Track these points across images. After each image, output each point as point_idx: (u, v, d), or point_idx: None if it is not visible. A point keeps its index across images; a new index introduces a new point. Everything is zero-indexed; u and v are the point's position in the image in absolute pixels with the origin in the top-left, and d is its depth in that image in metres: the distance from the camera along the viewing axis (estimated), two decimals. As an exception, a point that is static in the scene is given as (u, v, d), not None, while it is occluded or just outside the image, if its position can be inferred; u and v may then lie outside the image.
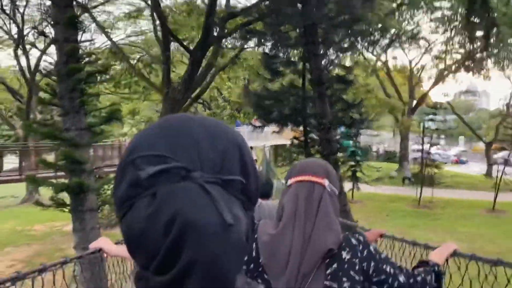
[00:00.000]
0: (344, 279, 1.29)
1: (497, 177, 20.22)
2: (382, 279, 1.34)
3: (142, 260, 0.52)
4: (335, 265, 1.31)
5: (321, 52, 9.83)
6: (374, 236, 2.49)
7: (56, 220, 16.31)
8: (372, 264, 1.34)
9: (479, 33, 27.51)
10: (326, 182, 1.41)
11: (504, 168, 20.22)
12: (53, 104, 6.42)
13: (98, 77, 18.88)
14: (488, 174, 30.83)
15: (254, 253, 1.38)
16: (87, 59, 6.38)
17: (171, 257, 0.48)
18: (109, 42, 17.26)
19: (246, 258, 1.35)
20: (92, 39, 6.88)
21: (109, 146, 19.40)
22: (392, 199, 23.47)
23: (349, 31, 10.16)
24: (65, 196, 6.71)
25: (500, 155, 38.00)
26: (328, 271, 1.30)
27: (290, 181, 1.46)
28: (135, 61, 18.76)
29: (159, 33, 13.57)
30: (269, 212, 2.92)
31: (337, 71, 13.57)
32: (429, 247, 2.24)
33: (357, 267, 1.31)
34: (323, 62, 10.36)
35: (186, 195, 0.49)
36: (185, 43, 14.10)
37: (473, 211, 20.30)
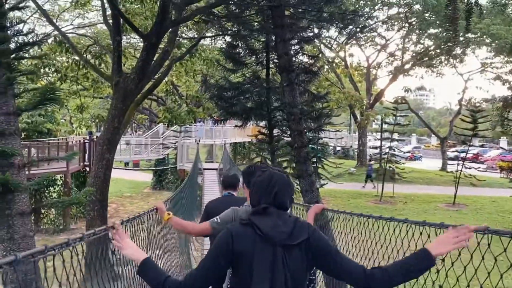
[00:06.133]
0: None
1: (456, 171, 20.31)
2: None
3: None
4: None
5: (289, 37, 9.03)
6: (313, 213, 3.34)
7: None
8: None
9: (433, 30, 27.94)
10: None
11: (463, 163, 20.34)
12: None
13: (42, 69, 17.25)
14: (444, 169, 31.40)
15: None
16: (16, 28, 5.13)
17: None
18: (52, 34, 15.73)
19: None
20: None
21: (55, 143, 17.86)
22: (353, 195, 23.20)
23: (318, 16, 9.45)
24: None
25: (452, 150, 39.09)
26: None
27: None
28: (84, 54, 17.27)
29: (110, 22, 12.33)
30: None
31: (302, 61, 12.89)
32: (370, 217, 3.07)
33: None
34: (290, 50, 9.58)
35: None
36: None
37: (434, 205, 20.32)
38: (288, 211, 1.91)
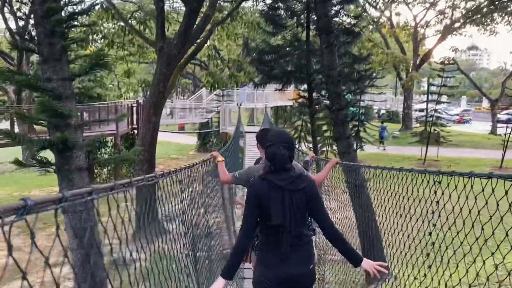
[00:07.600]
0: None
1: (505, 134, 19.61)
2: None
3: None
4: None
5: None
6: (329, 165, 4.47)
7: (55, 185, 15.67)
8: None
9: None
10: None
11: (512, 125, 19.58)
12: (30, 50, 5.62)
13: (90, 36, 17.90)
14: (493, 132, 30.28)
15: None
16: (68, -1, 5.52)
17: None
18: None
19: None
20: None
21: (104, 107, 18.74)
22: (396, 158, 22.98)
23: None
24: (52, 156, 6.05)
25: (505, 113, 37.33)
26: None
27: None
28: (129, 20, 17.72)
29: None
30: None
31: (342, 21, 12.72)
32: (391, 169, 3.45)
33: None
34: (330, 11, 9.51)
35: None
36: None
37: (479, 169, 19.80)
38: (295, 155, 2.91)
